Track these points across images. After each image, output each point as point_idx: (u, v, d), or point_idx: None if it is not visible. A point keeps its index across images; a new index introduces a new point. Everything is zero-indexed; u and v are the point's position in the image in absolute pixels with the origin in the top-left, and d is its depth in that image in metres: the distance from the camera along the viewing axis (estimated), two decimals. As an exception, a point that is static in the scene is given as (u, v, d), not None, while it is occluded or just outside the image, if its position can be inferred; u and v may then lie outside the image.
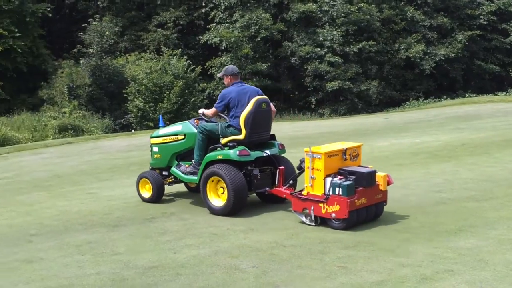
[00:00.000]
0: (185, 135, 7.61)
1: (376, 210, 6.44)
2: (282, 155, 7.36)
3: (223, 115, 7.39)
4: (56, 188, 8.78)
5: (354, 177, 6.18)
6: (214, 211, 6.95)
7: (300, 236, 5.92)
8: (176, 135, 7.72)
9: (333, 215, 6.07)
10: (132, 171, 9.86)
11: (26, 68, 32.94)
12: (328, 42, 35.12)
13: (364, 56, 36.21)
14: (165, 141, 7.82)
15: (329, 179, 6.16)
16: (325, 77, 34.98)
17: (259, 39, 34.92)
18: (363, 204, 6.16)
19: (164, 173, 7.87)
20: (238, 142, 6.97)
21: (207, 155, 7.08)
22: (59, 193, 8.46)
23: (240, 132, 6.99)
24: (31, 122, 24.29)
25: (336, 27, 35.70)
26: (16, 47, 31.78)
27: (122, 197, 8.02)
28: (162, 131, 8.06)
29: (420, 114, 18.82)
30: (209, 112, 7.42)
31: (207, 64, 35.78)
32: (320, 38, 35.33)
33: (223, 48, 35.77)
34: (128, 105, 29.76)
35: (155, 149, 7.95)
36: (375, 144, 11.91)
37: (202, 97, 31.76)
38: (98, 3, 39.03)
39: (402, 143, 12.17)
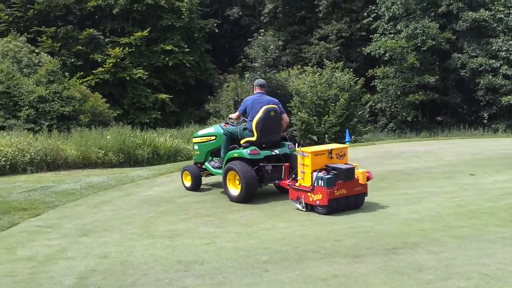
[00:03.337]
0: (216, 136, 9.38)
1: (356, 200, 7.79)
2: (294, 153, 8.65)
3: (245, 118, 9.01)
4: (266, 207, 8.19)
5: (335, 172, 7.56)
6: (232, 199, 8.57)
7: None
8: (210, 136, 9.53)
9: (318, 202, 7.52)
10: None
11: (194, 82, 34.06)
12: (503, 53, 32.44)
13: (545, 67, 32.98)
14: (202, 140, 9.66)
15: (315, 173, 7.59)
16: (500, 91, 32.33)
17: (425, 49, 33.10)
18: (343, 194, 7.55)
19: (203, 166, 9.60)
20: (251, 143, 8.53)
21: (227, 153, 8.73)
22: (272, 212, 7.85)
23: (253, 135, 8.55)
24: (199, 135, 24.58)
25: (512, 36, 32.89)
26: (185, 61, 32.98)
27: (345, 221, 7.21)
28: (201, 132, 9.99)
29: None
30: (234, 115, 9.24)
31: (368, 72, 34.63)
32: (494, 48, 32.75)
33: (386, 59, 34.44)
34: (291, 118, 29.47)
35: (196, 147, 9.80)
36: None
37: (367, 110, 30.66)
38: (262, 18, 39.56)
39: None
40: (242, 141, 8.68)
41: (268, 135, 8.65)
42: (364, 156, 12.90)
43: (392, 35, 34.84)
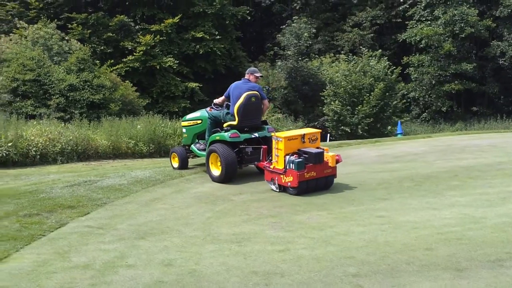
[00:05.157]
0: (201, 120, 9.99)
1: (326, 182, 8.36)
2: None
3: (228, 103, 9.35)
4: (334, 208, 7.47)
5: (306, 156, 8.04)
6: (213, 179, 9.17)
7: None
8: (196, 120, 10.13)
9: (289, 184, 8.06)
10: (409, 188, 8.35)
11: (224, 71, 33.36)
12: (545, 41, 31.26)
13: None
14: (189, 124, 10.27)
15: (287, 157, 8.08)
16: (541, 79, 31.23)
17: (463, 36, 31.98)
18: (313, 177, 8.07)
19: (190, 149, 10.24)
20: (233, 127, 9.03)
21: (210, 136, 9.34)
22: (341, 214, 7.13)
23: (235, 119, 9.02)
24: (228, 124, 23.95)
25: (556, 22, 31.66)
26: (216, 49, 32.26)
27: (428, 224, 6.47)
28: (188, 116, 10.49)
29: None
30: (219, 100, 9.71)
31: (403, 59, 33.64)
32: (536, 36, 31.59)
33: (421, 46, 33.44)
34: (324, 108, 28.67)
35: (184, 130, 10.44)
36: None
37: (403, 101, 29.71)
38: (294, 5, 38.59)
39: None
40: (224, 125, 9.22)
41: (249, 120, 9.17)
42: (424, 151, 12.11)
43: (429, 22, 33.79)
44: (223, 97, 9.58)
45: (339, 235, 6.22)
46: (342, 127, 27.24)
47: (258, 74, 9.55)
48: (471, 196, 7.70)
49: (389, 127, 27.20)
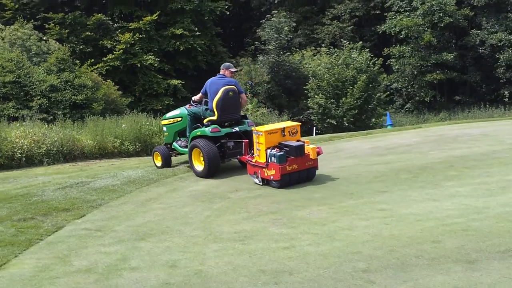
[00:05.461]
0: (181, 117, 10.11)
1: (308, 174, 8.44)
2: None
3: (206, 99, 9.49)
4: (333, 202, 7.39)
5: (287, 149, 8.15)
6: (197, 174, 9.29)
7: None
8: (176, 117, 10.25)
9: (272, 177, 8.16)
10: (407, 180, 8.31)
11: (205, 67, 33.16)
12: (523, 28, 31.54)
13: None
14: (170, 122, 10.40)
15: (268, 151, 8.19)
16: (521, 67, 31.49)
17: (442, 25, 32.17)
18: (294, 169, 8.17)
19: (172, 147, 10.30)
20: (213, 122, 9.19)
21: (191, 132, 9.45)
22: (342, 208, 7.06)
23: (214, 114, 9.16)
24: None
25: (533, 10, 31.94)
26: (196, 46, 32.07)
27: (431, 216, 6.42)
28: (168, 114, 10.58)
29: None
30: (197, 97, 9.85)
31: (384, 51, 33.74)
32: (514, 24, 31.86)
33: (401, 37, 33.57)
34: (308, 101, 28.63)
35: (164, 128, 10.57)
36: None
37: (387, 92, 29.76)
38: (272, -1, 38.53)
39: None
40: (204, 121, 9.41)
41: (229, 114, 9.31)
42: (417, 141, 12.10)
43: (408, 12, 33.91)
44: (200, 94, 9.73)
45: (342, 230, 6.15)
46: (328, 119, 27.24)
47: (233, 69, 9.70)
48: (470, 186, 7.68)
49: (373, 119, 27.28)
